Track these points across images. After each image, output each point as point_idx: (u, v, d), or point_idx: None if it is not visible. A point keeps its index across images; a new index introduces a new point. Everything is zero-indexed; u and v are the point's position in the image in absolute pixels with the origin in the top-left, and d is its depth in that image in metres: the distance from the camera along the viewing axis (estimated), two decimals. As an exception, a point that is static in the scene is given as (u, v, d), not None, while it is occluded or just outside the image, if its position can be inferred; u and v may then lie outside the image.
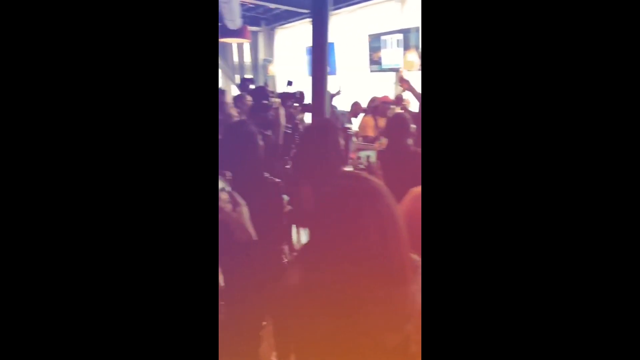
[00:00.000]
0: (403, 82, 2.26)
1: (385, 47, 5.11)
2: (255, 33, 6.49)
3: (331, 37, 5.56)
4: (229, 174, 0.88)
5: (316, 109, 2.23)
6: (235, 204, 0.86)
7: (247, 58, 6.82)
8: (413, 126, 1.71)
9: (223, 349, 0.67)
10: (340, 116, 4.09)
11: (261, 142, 1.41)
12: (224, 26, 5.02)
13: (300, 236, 3.34)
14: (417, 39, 4.60)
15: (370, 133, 3.30)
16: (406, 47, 4.69)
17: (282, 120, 1.91)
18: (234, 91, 5.62)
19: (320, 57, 2.17)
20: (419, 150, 1.62)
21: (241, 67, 6.76)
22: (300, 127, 2.25)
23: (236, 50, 6.65)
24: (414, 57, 4.06)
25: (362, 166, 1.19)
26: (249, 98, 2.71)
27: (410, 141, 1.69)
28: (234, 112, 1.76)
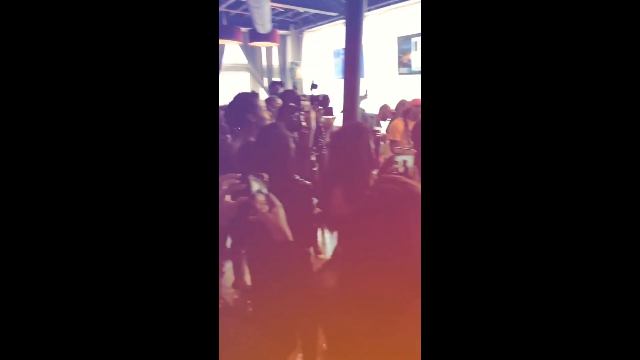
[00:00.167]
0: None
1: (415, 50, 5.05)
2: (283, 37, 6.58)
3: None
4: (266, 176, 0.89)
5: (347, 112, 2.23)
6: (271, 205, 0.86)
7: (276, 61, 6.91)
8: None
9: (248, 351, 0.68)
10: (369, 119, 4.06)
11: (292, 145, 1.42)
12: (254, 30, 5.12)
13: (326, 239, 3.35)
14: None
15: (399, 137, 3.25)
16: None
17: (313, 123, 1.92)
18: (263, 94, 5.71)
19: (352, 59, 2.16)
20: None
21: (269, 71, 6.86)
22: (324, 129, 2.25)
23: (265, 54, 6.75)
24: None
25: (399, 171, 1.17)
26: (279, 101, 2.74)
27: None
28: (266, 115, 1.78)
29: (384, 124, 4.04)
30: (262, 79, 6.76)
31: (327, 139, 2.30)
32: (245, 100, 1.74)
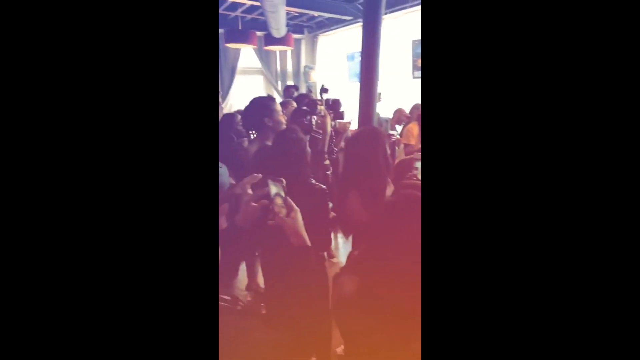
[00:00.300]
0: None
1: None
2: (298, 40, 6.62)
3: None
4: (284, 180, 0.89)
5: (363, 116, 2.22)
6: (289, 209, 0.87)
7: (290, 65, 6.96)
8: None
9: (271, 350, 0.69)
10: (384, 123, 4.05)
11: (309, 149, 1.42)
12: (269, 34, 5.17)
13: (339, 243, 3.34)
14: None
15: (413, 141, 3.23)
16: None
17: (328, 128, 1.93)
18: (277, 98, 5.75)
19: (369, 63, 2.15)
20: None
21: (283, 74, 6.91)
22: (334, 134, 2.25)
23: (279, 58, 6.81)
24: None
25: (419, 177, 1.16)
26: (293, 104, 2.76)
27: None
28: (282, 119, 1.79)
29: (399, 128, 4.02)
30: (276, 82, 6.81)
31: (342, 144, 2.30)
32: (261, 104, 1.75)
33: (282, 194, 0.87)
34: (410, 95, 5.01)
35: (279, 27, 4.53)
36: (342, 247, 3.27)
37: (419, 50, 5.14)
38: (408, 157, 1.54)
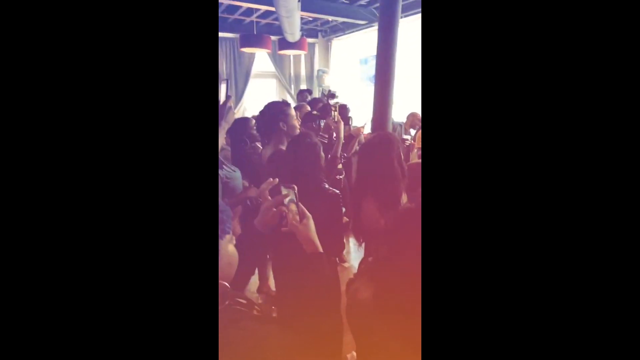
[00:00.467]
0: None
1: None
2: (312, 44, 6.66)
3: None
4: (295, 187, 0.90)
5: (377, 120, 2.21)
6: (302, 216, 0.87)
7: (303, 69, 7.00)
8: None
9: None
10: (398, 127, 4.03)
11: (323, 154, 1.43)
12: (284, 39, 5.22)
13: (350, 247, 3.33)
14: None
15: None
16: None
17: (341, 133, 1.93)
18: (291, 102, 5.79)
19: (384, 68, 2.14)
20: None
21: (297, 78, 6.95)
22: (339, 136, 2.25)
23: (292, 62, 6.85)
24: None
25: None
26: (308, 109, 2.77)
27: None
28: (297, 123, 1.80)
29: (413, 132, 4.00)
30: (290, 86, 6.86)
31: (356, 148, 2.29)
32: (277, 109, 1.77)
33: (295, 200, 0.88)
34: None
35: (293, 32, 4.56)
36: (353, 251, 3.26)
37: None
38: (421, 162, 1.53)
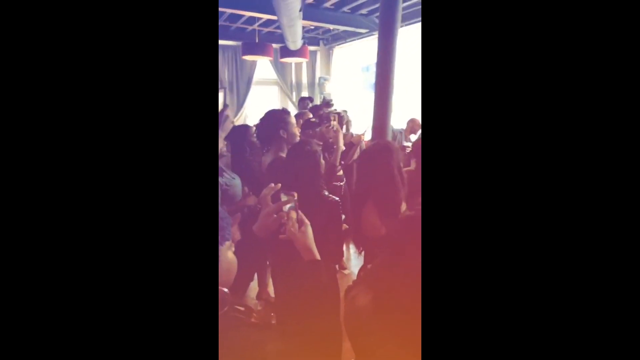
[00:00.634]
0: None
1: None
2: (313, 52, 6.71)
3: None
4: (296, 194, 0.91)
5: (377, 129, 2.23)
6: (300, 224, 0.88)
7: (305, 76, 7.05)
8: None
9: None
10: (398, 134, 4.05)
11: (323, 161, 1.44)
12: (285, 47, 5.26)
13: (350, 254, 3.32)
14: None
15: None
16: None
17: (340, 143, 1.94)
18: (292, 109, 5.81)
19: (385, 75, 2.16)
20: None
21: (298, 86, 6.99)
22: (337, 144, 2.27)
23: (294, 70, 6.91)
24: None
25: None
26: (309, 116, 2.79)
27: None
28: (297, 131, 1.82)
29: (413, 138, 4.01)
30: (292, 93, 6.90)
31: (356, 155, 2.30)
32: (277, 117, 1.78)
33: (295, 207, 0.89)
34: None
35: (295, 40, 4.60)
36: (354, 259, 3.25)
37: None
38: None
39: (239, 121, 5.79)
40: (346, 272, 3.05)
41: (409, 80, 5.57)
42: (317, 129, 2.08)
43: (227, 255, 0.77)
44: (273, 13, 3.63)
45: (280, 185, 0.90)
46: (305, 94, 6.64)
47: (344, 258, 3.24)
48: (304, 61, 6.25)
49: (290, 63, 6.59)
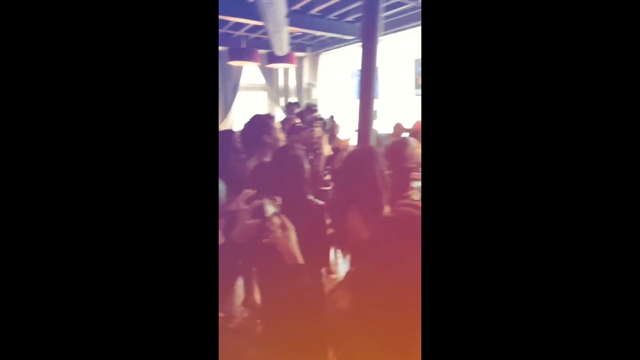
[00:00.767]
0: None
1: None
2: (300, 58, 6.74)
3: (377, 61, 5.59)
4: (279, 199, 0.91)
5: (361, 134, 2.26)
6: (283, 228, 0.88)
7: (292, 82, 7.07)
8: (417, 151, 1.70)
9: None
10: (383, 140, 4.08)
11: (307, 166, 1.44)
12: (272, 53, 5.27)
13: (339, 259, 3.31)
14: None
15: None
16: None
17: (323, 148, 1.95)
18: (280, 114, 5.81)
19: (367, 83, 2.20)
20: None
21: (286, 91, 7.01)
22: (320, 150, 2.28)
23: (282, 75, 6.92)
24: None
25: (415, 198, 1.17)
26: (297, 121, 2.80)
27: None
28: (281, 136, 1.82)
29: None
30: (279, 99, 6.91)
31: (340, 162, 2.31)
32: (260, 122, 1.78)
33: (278, 212, 0.89)
34: (412, 112, 5.06)
35: (282, 46, 4.62)
36: (342, 263, 3.25)
37: (420, 68, 5.22)
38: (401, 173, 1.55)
39: (225, 127, 5.76)
40: (334, 276, 3.03)
41: (399, 87, 5.66)
42: (300, 135, 2.09)
43: None
44: (259, 19, 3.64)
45: (256, 191, 0.90)
46: (293, 99, 6.65)
47: (332, 263, 3.23)
48: (291, 67, 6.27)
49: (278, 69, 6.60)
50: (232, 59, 5.27)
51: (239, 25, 5.06)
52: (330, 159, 2.50)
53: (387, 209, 1.29)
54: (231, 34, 5.55)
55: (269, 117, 1.84)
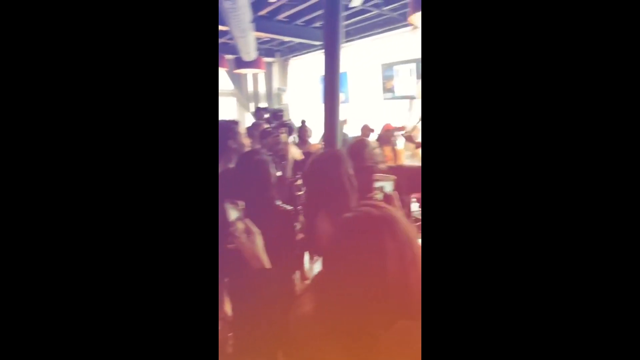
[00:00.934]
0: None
1: (397, 76, 5.21)
2: (269, 64, 6.72)
3: (345, 66, 5.69)
4: (242, 203, 0.89)
5: (327, 139, 2.27)
6: (249, 232, 0.86)
7: (262, 87, 7.03)
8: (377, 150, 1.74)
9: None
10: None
11: (273, 171, 1.42)
12: (240, 58, 5.23)
13: (314, 265, 3.30)
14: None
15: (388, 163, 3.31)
16: (419, 76, 4.76)
17: (291, 156, 1.95)
18: (249, 120, 5.76)
19: (332, 88, 2.23)
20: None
21: (256, 96, 6.96)
22: (287, 156, 2.28)
23: (251, 80, 6.88)
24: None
25: (378, 198, 1.18)
26: (265, 127, 2.78)
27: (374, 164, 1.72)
28: (246, 141, 1.80)
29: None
30: (248, 104, 6.85)
31: (307, 167, 2.32)
32: (225, 127, 1.75)
33: (241, 217, 0.87)
34: (380, 116, 5.16)
35: (248, 51, 4.58)
36: (316, 267, 3.23)
37: (388, 73, 5.33)
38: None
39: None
40: (308, 282, 3.02)
41: (367, 91, 5.76)
42: (266, 140, 2.08)
43: None
44: (224, 24, 3.60)
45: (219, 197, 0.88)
46: (263, 105, 6.62)
47: (306, 268, 3.21)
48: (260, 72, 6.24)
49: (247, 74, 6.56)
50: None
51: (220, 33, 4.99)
52: (301, 164, 2.50)
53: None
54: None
55: (233, 123, 1.82)
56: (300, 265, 1.89)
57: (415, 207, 3.47)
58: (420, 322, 0.54)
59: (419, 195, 3.38)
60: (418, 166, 1.82)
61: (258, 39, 4.68)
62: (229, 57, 5.60)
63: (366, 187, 1.32)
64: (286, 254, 1.39)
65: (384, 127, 3.96)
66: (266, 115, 4.01)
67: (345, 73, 5.89)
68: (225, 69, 5.54)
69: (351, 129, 4.85)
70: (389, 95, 5.42)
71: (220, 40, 5.59)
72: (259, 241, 0.92)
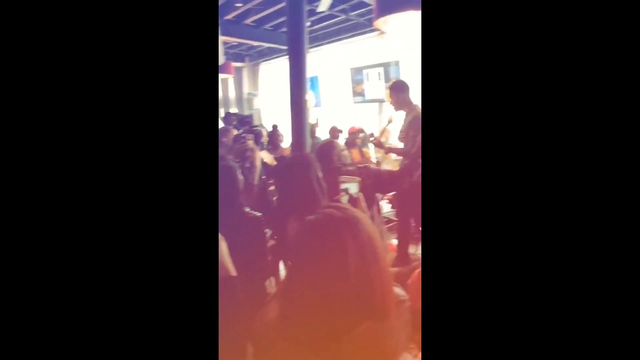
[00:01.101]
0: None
1: (367, 80, 5.29)
2: (239, 69, 6.65)
3: (315, 70, 5.70)
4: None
5: (295, 143, 2.28)
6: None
7: (232, 92, 6.95)
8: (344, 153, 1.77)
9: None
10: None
11: (241, 177, 1.40)
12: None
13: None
14: (397, 72, 4.78)
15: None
16: (387, 80, 4.85)
17: (258, 162, 1.93)
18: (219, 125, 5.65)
19: (298, 93, 2.24)
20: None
21: (226, 101, 6.87)
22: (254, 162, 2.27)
23: (220, 85, 6.78)
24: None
25: (343, 199, 1.19)
26: (234, 132, 2.74)
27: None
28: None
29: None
30: (219, 109, 6.75)
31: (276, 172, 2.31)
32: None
33: None
34: (351, 119, 5.23)
35: (216, 56, 4.52)
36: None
37: (357, 77, 5.40)
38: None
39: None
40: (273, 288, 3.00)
41: (337, 95, 5.82)
42: (233, 146, 2.05)
43: None
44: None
45: None
46: (233, 110, 6.54)
47: (281, 274, 3.19)
48: (228, 77, 6.16)
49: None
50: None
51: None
52: (273, 169, 2.48)
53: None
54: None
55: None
56: (275, 271, 1.87)
57: (388, 207, 3.52)
58: (388, 324, 0.55)
59: (390, 196, 3.44)
60: (388, 169, 1.86)
61: (225, 43, 4.62)
62: (236, 64, 5.49)
63: (335, 189, 1.33)
64: (256, 261, 1.37)
65: (349, 130, 4.02)
66: (234, 122, 3.96)
67: (316, 77, 5.92)
68: (231, 75, 5.43)
69: (323, 132, 4.88)
70: (359, 98, 5.49)
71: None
72: (224, 248, 0.91)
